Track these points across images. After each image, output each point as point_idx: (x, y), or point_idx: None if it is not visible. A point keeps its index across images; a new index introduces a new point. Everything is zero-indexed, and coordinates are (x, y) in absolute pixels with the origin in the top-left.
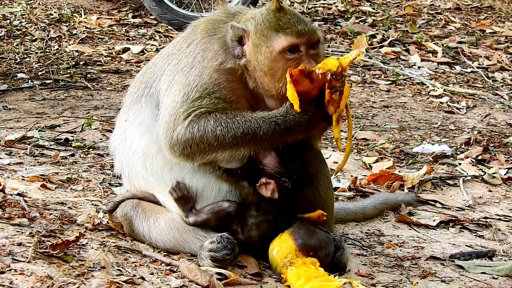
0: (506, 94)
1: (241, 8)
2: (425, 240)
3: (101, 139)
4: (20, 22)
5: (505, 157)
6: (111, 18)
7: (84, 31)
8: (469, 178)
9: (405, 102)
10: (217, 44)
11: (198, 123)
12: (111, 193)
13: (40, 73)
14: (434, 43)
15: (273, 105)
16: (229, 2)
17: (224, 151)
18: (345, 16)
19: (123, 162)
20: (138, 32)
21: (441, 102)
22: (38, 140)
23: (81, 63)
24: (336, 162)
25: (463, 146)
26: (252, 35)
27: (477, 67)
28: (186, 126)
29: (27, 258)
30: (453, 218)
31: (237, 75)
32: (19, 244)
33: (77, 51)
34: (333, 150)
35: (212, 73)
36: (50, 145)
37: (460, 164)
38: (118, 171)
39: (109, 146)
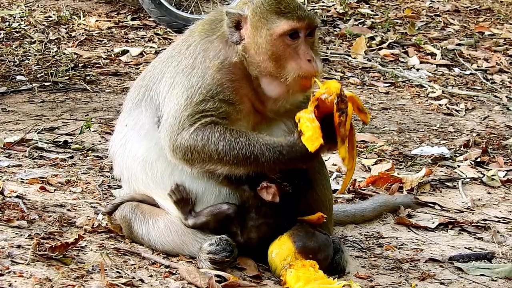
0: (505, 96)
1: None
2: (424, 242)
3: (100, 141)
4: (19, 24)
5: (504, 159)
6: (110, 20)
7: (83, 33)
8: (468, 180)
9: (404, 104)
10: (217, 42)
11: (203, 131)
12: (110, 195)
13: (39, 75)
14: (433, 45)
15: (274, 92)
16: (228, 4)
17: (224, 167)
18: (344, 18)
19: (122, 166)
20: (137, 34)
21: (440, 104)
22: (37, 143)
23: (80, 65)
24: (335, 164)
25: (462, 148)
26: (251, 18)
27: (476, 69)
28: (191, 133)
29: (26, 260)
30: (452, 220)
31: (239, 71)
32: (18, 247)
33: (76, 53)
34: (332, 152)
35: (215, 74)
36: (49, 148)
37: (459, 166)
38: (117, 175)
39: (109, 150)
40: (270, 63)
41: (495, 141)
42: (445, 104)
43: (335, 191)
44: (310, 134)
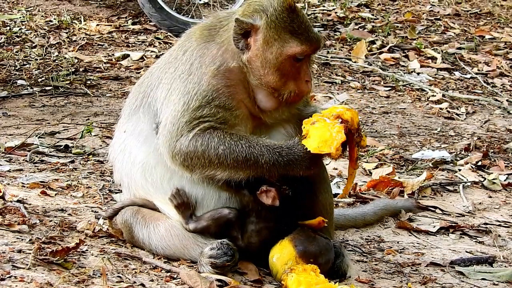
0: (506, 100)
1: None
2: (425, 246)
3: (101, 145)
4: (20, 29)
5: (504, 163)
6: (110, 25)
7: (83, 37)
8: (469, 184)
9: (404, 108)
10: (215, 48)
11: (203, 137)
12: (111, 200)
13: (40, 79)
14: (434, 49)
15: (268, 105)
16: (228, 9)
17: (224, 171)
18: (345, 22)
19: (122, 172)
20: (138, 39)
21: (440, 108)
22: (38, 147)
23: (81, 69)
24: (336, 169)
25: (463, 152)
26: (264, 31)
27: (476, 73)
28: (190, 138)
29: (27, 265)
30: (453, 224)
31: (236, 76)
32: (19, 251)
33: (76, 57)
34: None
35: (211, 80)
36: (50, 152)
37: (460, 170)
38: (117, 181)
39: (108, 156)
40: (274, 77)
41: (496, 145)
42: (446, 108)
43: (336, 195)
44: (326, 138)
